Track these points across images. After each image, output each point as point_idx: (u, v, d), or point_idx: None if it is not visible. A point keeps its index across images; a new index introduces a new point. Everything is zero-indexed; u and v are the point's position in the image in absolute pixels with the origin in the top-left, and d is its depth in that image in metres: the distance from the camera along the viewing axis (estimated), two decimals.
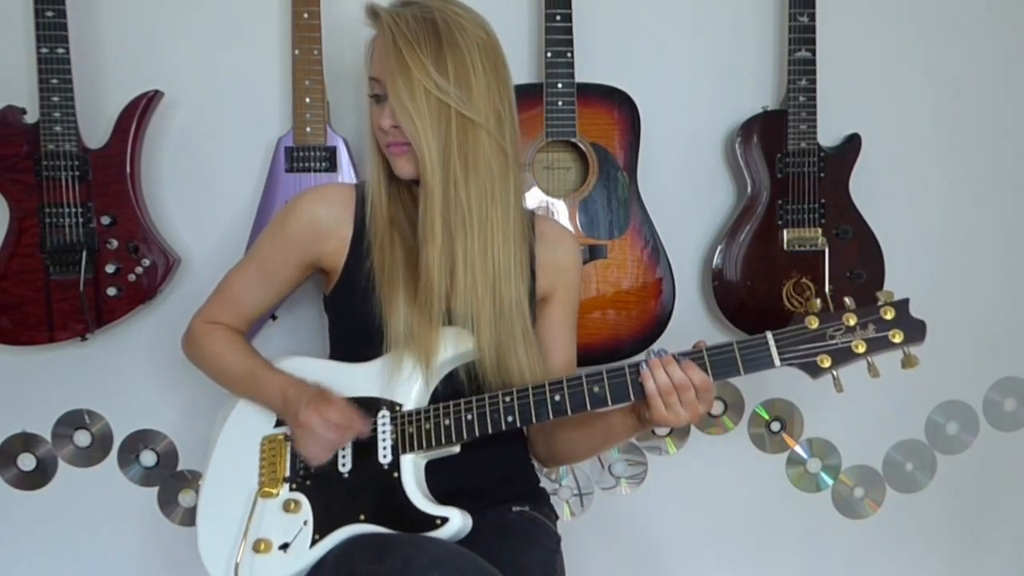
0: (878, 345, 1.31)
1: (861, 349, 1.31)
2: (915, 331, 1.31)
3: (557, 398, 1.34)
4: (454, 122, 1.36)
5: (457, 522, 1.33)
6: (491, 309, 1.41)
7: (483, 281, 1.40)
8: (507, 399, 1.36)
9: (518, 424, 1.36)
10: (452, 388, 1.44)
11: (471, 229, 1.39)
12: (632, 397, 1.33)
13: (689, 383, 1.30)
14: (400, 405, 1.40)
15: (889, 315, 1.31)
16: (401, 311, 1.40)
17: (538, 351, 1.47)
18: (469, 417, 1.37)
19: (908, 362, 1.31)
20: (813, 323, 1.31)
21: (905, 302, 1.32)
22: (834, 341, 1.31)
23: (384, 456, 1.39)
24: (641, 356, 1.38)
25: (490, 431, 1.37)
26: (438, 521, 1.33)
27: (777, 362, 1.31)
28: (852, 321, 1.31)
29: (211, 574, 1.45)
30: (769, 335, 1.32)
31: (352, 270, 1.47)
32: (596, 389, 1.34)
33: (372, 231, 1.45)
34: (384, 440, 1.39)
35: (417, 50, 1.34)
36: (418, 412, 1.39)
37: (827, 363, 1.31)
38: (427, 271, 1.39)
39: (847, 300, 1.32)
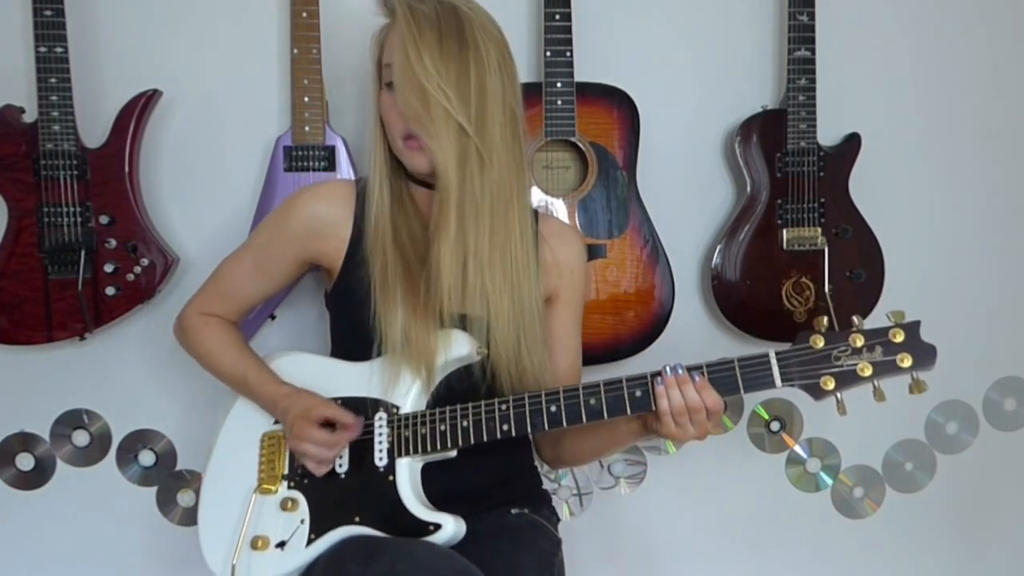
0: (885, 369, 1.25)
1: (867, 372, 1.25)
2: (925, 356, 1.25)
3: (553, 409, 1.33)
4: (474, 118, 1.33)
5: (450, 529, 1.33)
6: (510, 308, 1.39)
7: (503, 280, 1.38)
8: (503, 407, 1.35)
9: (513, 433, 1.35)
10: (468, 385, 1.42)
11: (484, 225, 1.36)
12: (629, 411, 1.32)
13: (702, 405, 1.29)
14: (397, 408, 1.40)
15: (898, 338, 1.25)
16: (399, 313, 1.39)
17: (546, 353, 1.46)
18: (465, 424, 1.36)
19: (916, 387, 1.25)
20: (818, 343, 1.26)
21: (916, 325, 1.26)
22: (839, 363, 1.25)
23: (380, 459, 1.38)
24: (659, 366, 1.35)
25: (485, 439, 1.36)
26: (431, 527, 1.33)
27: (778, 382, 1.27)
28: (859, 342, 1.25)
29: (211, 569, 1.45)
30: (771, 353, 1.27)
31: (351, 270, 1.46)
32: (592, 402, 1.32)
33: (371, 230, 1.43)
34: (380, 443, 1.39)
35: (439, 42, 1.31)
36: (414, 416, 1.39)
37: (831, 385, 1.26)
38: (437, 266, 1.36)
39: (855, 319, 1.26)
